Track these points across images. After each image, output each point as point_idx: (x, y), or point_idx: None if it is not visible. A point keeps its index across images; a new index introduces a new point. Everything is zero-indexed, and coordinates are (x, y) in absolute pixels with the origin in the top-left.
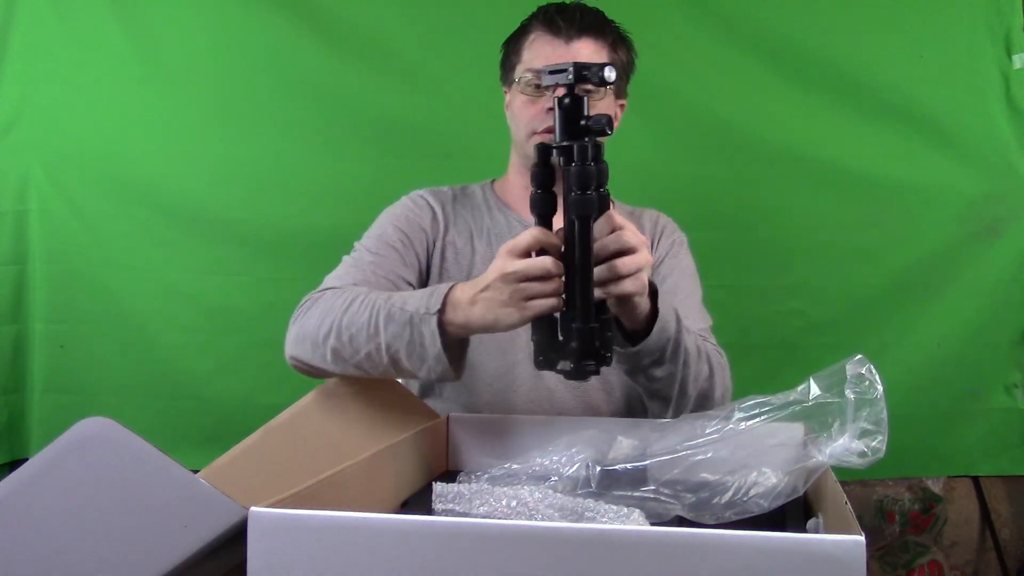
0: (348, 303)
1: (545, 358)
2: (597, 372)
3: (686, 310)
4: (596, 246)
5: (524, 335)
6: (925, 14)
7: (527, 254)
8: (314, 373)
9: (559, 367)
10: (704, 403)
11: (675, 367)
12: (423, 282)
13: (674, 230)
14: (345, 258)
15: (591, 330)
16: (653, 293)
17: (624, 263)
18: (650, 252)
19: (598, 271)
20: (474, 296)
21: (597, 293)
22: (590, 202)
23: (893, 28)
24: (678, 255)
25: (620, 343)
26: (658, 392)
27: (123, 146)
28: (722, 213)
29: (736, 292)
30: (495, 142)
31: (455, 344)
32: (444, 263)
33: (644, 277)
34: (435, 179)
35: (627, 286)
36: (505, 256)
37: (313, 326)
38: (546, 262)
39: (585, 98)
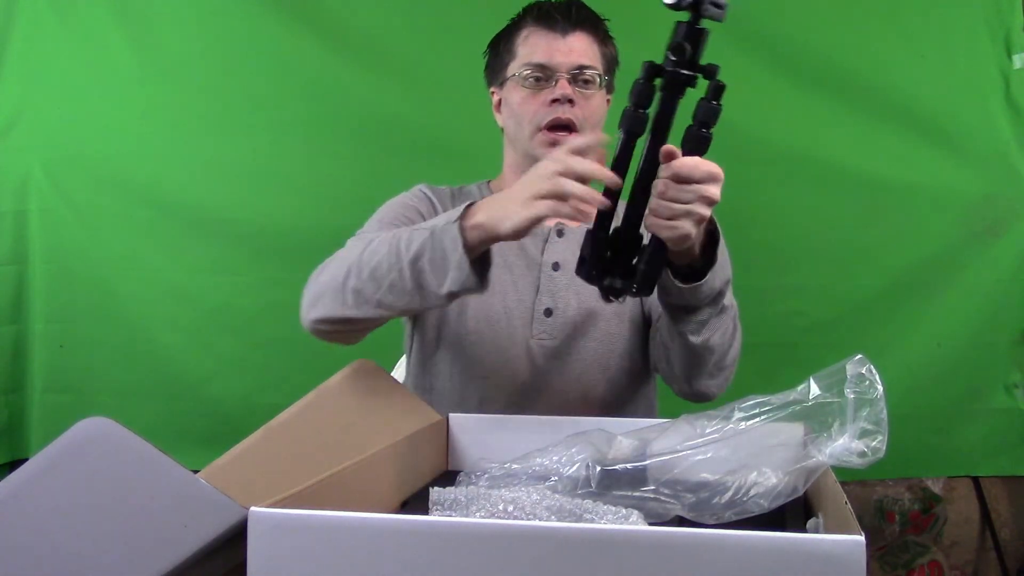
0: (365, 244)
1: (589, 270)
2: (617, 294)
3: None
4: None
5: (522, 329)
6: (925, 14)
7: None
8: (337, 331)
9: (604, 282)
10: (721, 362)
11: (713, 312)
12: None
13: None
14: (348, 241)
15: (599, 240)
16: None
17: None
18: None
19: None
20: (495, 195)
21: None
22: (632, 118)
23: (893, 28)
24: None
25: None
26: (692, 347)
27: (123, 146)
28: (722, 213)
29: (736, 292)
30: (494, 142)
31: (478, 254)
32: None
33: (698, 211)
34: (435, 179)
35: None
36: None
37: (329, 278)
38: (597, 167)
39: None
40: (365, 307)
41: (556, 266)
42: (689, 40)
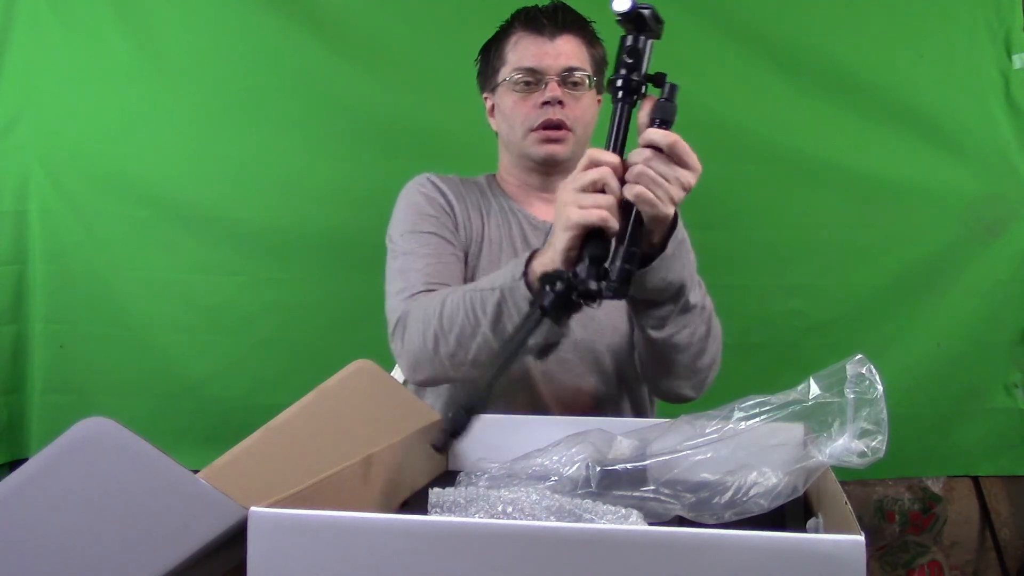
0: (439, 310)
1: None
2: (593, 297)
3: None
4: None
5: None
6: (925, 14)
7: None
8: (442, 382)
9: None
10: (693, 364)
11: (674, 309)
12: (466, 248)
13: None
14: (391, 270)
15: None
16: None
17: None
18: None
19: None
20: (549, 242)
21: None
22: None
23: (893, 28)
24: None
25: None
26: (654, 342)
27: (123, 146)
28: (722, 213)
29: (736, 292)
30: (493, 141)
31: None
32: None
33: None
34: None
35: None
36: (570, 192)
37: (419, 346)
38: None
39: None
40: (463, 368)
41: None
42: (636, 51)
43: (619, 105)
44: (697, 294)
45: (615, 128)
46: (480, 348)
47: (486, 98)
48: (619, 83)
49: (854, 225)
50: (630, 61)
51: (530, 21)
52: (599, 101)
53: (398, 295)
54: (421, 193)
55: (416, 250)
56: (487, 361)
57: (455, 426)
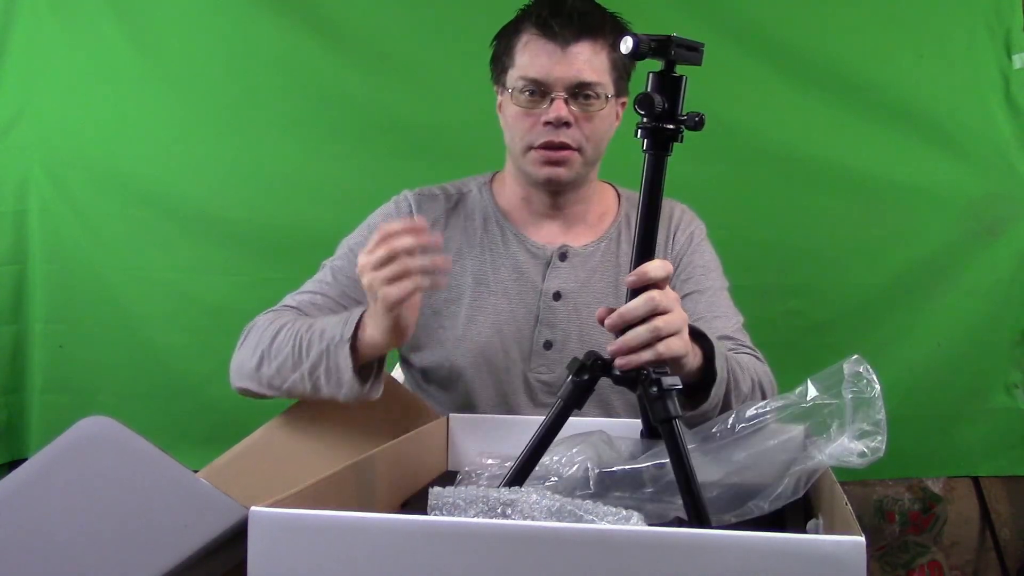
0: (274, 334)
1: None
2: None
3: (718, 309)
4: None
5: (520, 363)
6: (925, 14)
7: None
8: (260, 397)
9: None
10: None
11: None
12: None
13: (691, 220)
14: (321, 269)
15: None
16: (698, 336)
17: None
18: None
19: (639, 333)
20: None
21: (645, 356)
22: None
23: (893, 28)
24: (699, 249)
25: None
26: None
27: (123, 146)
28: (722, 213)
29: (736, 292)
30: (495, 142)
31: (370, 364)
32: None
33: (686, 336)
34: (435, 178)
35: (674, 346)
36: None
37: (247, 357)
38: (389, 245)
39: None
40: (277, 392)
41: (557, 296)
42: (662, 91)
43: (648, 155)
44: (744, 379)
45: (648, 191)
46: (296, 384)
47: (497, 92)
48: (645, 130)
49: (854, 225)
50: (644, 108)
51: (542, 24)
52: (623, 104)
53: (288, 296)
54: (382, 215)
55: (326, 270)
56: (301, 394)
57: None
